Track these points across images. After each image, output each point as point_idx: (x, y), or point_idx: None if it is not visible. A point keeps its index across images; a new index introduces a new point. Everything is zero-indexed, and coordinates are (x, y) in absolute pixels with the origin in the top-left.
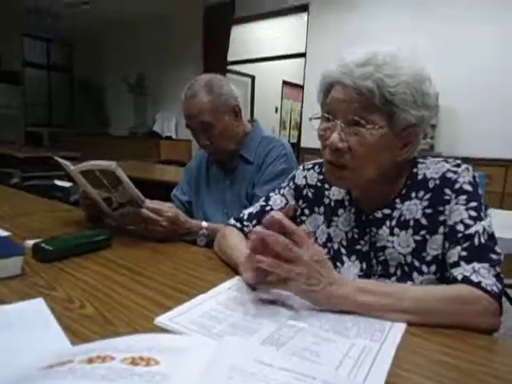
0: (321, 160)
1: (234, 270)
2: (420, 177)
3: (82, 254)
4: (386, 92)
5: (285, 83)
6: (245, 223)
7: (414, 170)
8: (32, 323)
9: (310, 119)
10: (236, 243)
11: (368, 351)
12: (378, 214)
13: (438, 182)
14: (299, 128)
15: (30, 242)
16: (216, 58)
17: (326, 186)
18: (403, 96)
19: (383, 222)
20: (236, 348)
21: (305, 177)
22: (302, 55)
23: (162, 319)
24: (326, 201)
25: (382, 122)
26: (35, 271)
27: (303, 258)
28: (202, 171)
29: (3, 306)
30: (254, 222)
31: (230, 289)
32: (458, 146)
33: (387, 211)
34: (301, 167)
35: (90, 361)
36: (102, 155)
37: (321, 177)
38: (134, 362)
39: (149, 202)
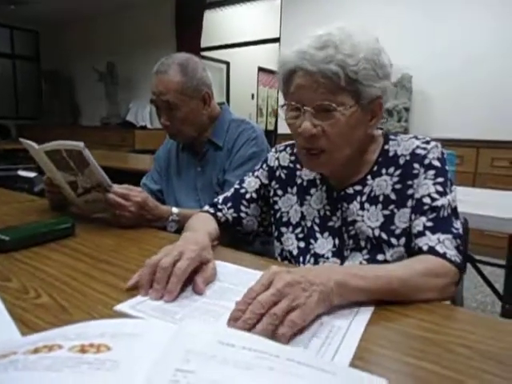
0: (292, 142)
1: None
2: (391, 154)
3: (43, 243)
4: (350, 72)
5: (260, 70)
6: (219, 206)
7: (386, 147)
8: None
9: (281, 106)
10: (195, 226)
11: (337, 330)
12: (350, 191)
13: (408, 157)
14: (276, 115)
15: None
16: (189, 44)
17: (298, 166)
18: (365, 72)
19: (354, 198)
20: (196, 331)
21: (277, 158)
22: (277, 40)
23: (122, 306)
24: (299, 181)
25: (350, 101)
26: None
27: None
28: (171, 158)
29: None
30: (229, 204)
31: None
32: (431, 128)
33: (358, 187)
34: (273, 149)
35: (36, 351)
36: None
37: (293, 158)
38: (82, 350)
39: (117, 187)
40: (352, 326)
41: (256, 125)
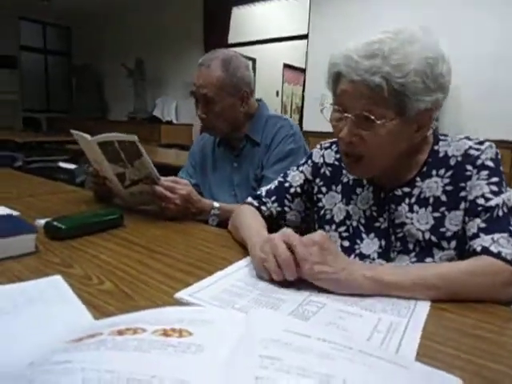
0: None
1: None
2: (441, 154)
3: (94, 232)
4: (395, 84)
5: (286, 66)
6: (263, 199)
7: (435, 148)
8: (52, 299)
9: (321, 110)
10: (250, 223)
11: (396, 326)
12: (398, 192)
13: (459, 158)
14: (301, 112)
15: (41, 221)
16: (216, 41)
17: (343, 164)
18: (414, 85)
19: (402, 200)
20: (267, 319)
21: (322, 155)
22: (305, 37)
23: (182, 294)
24: (344, 179)
25: (392, 114)
26: (48, 249)
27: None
28: (207, 154)
29: (21, 283)
30: (273, 197)
31: (246, 266)
32: (463, 127)
33: (407, 189)
34: (318, 146)
35: (120, 333)
36: None
37: (338, 155)
38: (166, 334)
39: (164, 179)
40: (411, 323)
41: (293, 121)
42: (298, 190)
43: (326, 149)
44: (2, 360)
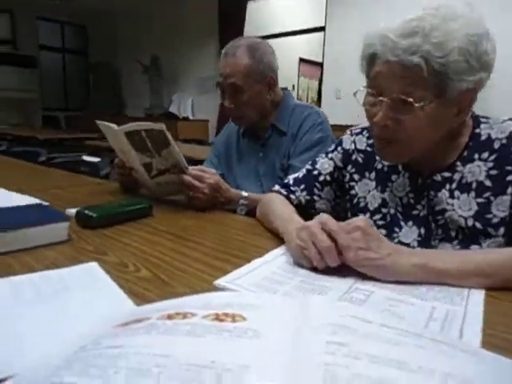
0: (368, 125)
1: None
2: (483, 137)
3: (124, 222)
4: (436, 64)
5: (301, 60)
6: (292, 188)
7: (477, 131)
8: (90, 286)
9: (355, 94)
10: (282, 211)
11: (453, 315)
12: (437, 178)
13: (504, 141)
14: (318, 105)
15: (72, 210)
16: (232, 36)
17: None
18: (456, 64)
19: (442, 185)
20: (324, 304)
21: (353, 141)
22: (321, 29)
23: (221, 281)
24: (378, 166)
25: (432, 96)
26: (81, 237)
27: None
28: (231, 145)
29: (58, 270)
30: (302, 186)
31: (283, 254)
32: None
33: (447, 174)
34: (348, 132)
35: (170, 317)
36: None
37: (370, 141)
38: (218, 319)
39: (192, 168)
40: (469, 311)
41: (321, 110)
42: (328, 177)
43: (356, 135)
44: (50, 344)
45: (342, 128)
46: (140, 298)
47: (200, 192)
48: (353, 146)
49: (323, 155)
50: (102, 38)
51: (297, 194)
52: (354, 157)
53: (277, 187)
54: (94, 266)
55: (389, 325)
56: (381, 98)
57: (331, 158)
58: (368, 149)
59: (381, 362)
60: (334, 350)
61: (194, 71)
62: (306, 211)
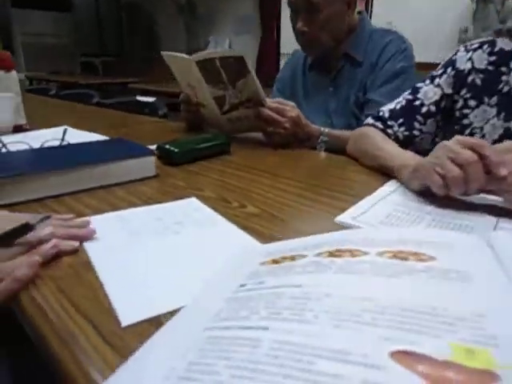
0: (490, 38)
1: (383, 172)
2: None
3: (204, 158)
4: None
5: None
6: (388, 122)
7: None
8: (203, 221)
9: None
10: (388, 145)
11: None
12: None
13: None
14: None
15: (151, 146)
16: None
17: (503, 69)
18: None
19: None
20: None
21: (470, 59)
22: None
23: (343, 218)
24: (505, 88)
25: None
26: (168, 173)
27: None
28: (297, 79)
29: (161, 205)
30: (400, 120)
31: (395, 192)
32: None
33: None
34: (462, 48)
35: (333, 255)
36: (159, 79)
37: (492, 58)
38: (398, 257)
39: (270, 101)
40: None
41: (404, 36)
42: (432, 108)
43: (474, 50)
44: (190, 282)
45: None
46: (261, 236)
47: (281, 127)
48: (469, 65)
49: (427, 81)
50: None
51: (394, 129)
52: (470, 78)
53: (370, 120)
54: (195, 201)
55: None
56: None
57: (438, 85)
58: (489, 67)
59: None
60: None
61: (231, 10)
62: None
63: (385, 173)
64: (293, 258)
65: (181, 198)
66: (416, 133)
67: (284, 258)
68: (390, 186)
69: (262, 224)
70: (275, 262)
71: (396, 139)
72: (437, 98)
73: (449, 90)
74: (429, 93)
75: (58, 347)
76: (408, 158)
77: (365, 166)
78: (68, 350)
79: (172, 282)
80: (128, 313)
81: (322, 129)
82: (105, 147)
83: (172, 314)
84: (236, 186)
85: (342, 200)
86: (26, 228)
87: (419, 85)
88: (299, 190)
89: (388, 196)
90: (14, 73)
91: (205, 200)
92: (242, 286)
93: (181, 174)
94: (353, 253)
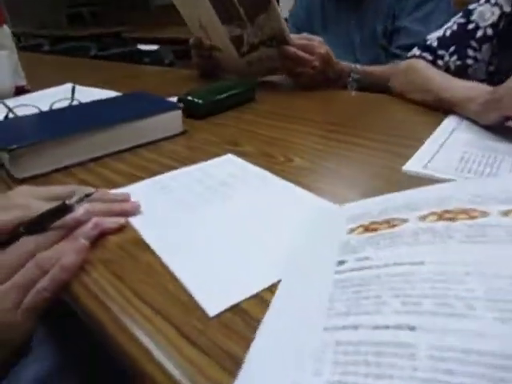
0: None
1: (435, 109)
2: None
3: (229, 108)
4: None
5: None
6: (438, 52)
7: None
8: (252, 182)
9: None
10: (442, 77)
11: None
12: None
13: None
14: None
15: (170, 99)
16: None
17: None
18: None
19: None
20: None
21: None
22: None
23: (412, 167)
24: None
25: None
26: (195, 128)
27: None
28: (314, 12)
29: (200, 165)
30: (452, 48)
31: (456, 129)
32: None
33: None
34: None
35: (442, 217)
36: (154, 25)
37: None
38: None
39: (295, 37)
40: None
41: None
42: (489, 31)
43: None
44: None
45: None
46: (323, 193)
47: (310, 66)
48: None
49: (481, 1)
50: None
51: (445, 58)
52: None
53: (417, 51)
54: (234, 158)
55: None
56: None
57: (495, 3)
58: None
59: None
60: None
61: None
62: None
63: (437, 109)
64: (390, 224)
65: (217, 155)
66: (470, 62)
67: (376, 224)
68: (450, 123)
69: (318, 179)
70: (367, 229)
71: (447, 70)
72: (494, 18)
73: (508, 8)
74: (485, 13)
75: (128, 345)
76: (471, 88)
77: (412, 103)
78: (141, 347)
79: (246, 260)
80: (212, 301)
81: (353, 65)
82: (125, 104)
83: (256, 299)
84: (272, 136)
85: (399, 145)
86: (65, 209)
87: (472, 6)
88: (345, 137)
89: (451, 136)
90: (6, 28)
91: (244, 156)
92: (341, 263)
93: (209, 127)
94: (469, 214)
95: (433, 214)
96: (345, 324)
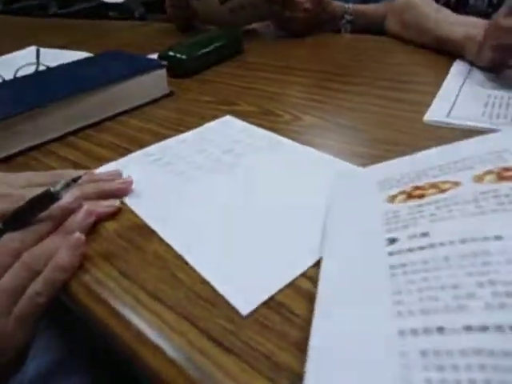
0: None
1: (434, 50)
2: None
3: (215, 64)
4: None
5: None
6: None
7: None
8: (259, 146)
9: None
10: (442, 14)
11: None
12: None
13: None
14: None
15: (150, 56)
16: None
17: None
18: None
19: None
20: None
21: None
22: None
23: (433, 116)
24: None
25: None
26: (182, 88)
27: None
28: None
29: (196, 131)
30: None
31: (471, 71)
32: None
33: None
34: None
35: (503, 177)
36: None
37: None
38: None
39: None
40: None
41: None
42: None
43: None
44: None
45: None
46: (343, 154)
47: (301, 9)
48: None
49: None
50: None
51: None
52: None
53: None
54: (233, 120)
55: None
56: None
57: None
58: None
59: None
60: None
61: None
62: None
63: (442, 51)
64: (439, 189)
65: (214, 117)
66: None
67: (420, 189)
68: (463, 64)
69: (334, 138)
70: (410, 195)
71: (446, 3)
72: None
73: None
74: None
75: (150, 358)
76: (470, 23)
77: (414, 44)
78: (164, 357)
79: (273, 242)
80: (243, 297)
81: (346, 5)
82: (99, 66)
83: (291, 288)
84: (272, 91)
85: (413, 92)
86: (50, 197)
87: None
88: (352, 87)
89: (467, 79)
90: None
91: (244, 116)
92: (392, 241)
93: (197, 86)
94: (500, 175)
95: (489, 172)
96: (423, 326)
